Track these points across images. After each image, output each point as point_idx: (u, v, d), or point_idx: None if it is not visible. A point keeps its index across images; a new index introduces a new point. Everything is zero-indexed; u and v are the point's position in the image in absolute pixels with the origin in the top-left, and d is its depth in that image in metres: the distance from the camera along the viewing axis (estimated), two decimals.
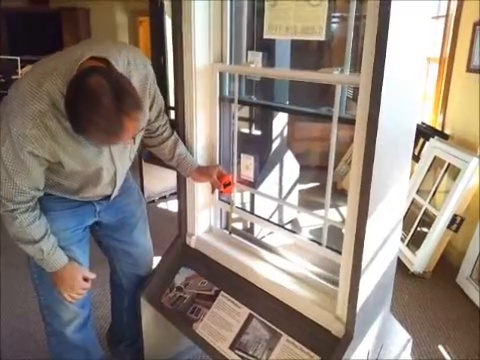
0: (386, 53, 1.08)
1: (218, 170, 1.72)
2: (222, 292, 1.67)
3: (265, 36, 1.50)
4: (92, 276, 1.59)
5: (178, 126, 1.75)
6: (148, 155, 3.87)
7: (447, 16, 3.61)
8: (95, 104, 1.10)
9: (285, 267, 1.64)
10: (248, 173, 1.74)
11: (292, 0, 1.40)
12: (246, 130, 3.54)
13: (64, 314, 1.62)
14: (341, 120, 1.40)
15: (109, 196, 1.61)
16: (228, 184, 1.71)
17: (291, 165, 3.52)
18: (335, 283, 1.48)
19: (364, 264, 1.28)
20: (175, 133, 1.70)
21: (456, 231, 2.79)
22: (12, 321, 2.34)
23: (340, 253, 1.42)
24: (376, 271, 1.36)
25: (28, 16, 6.51)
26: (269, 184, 3.31)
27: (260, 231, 3.13)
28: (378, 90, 1.11)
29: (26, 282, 1.63)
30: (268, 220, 1.84)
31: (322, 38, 1.37)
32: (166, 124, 1.67)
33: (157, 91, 1.55)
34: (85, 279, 1.57)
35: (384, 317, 1.54)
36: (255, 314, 1.57)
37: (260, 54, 1.57)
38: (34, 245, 1.41)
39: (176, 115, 1.77)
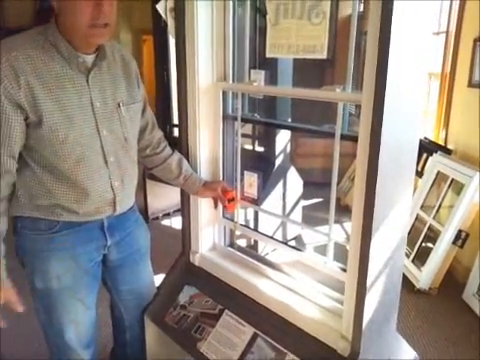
0: (388, 71, 1.09)
1: (222, 185, 1.72)
2: (226, 311, 1.66)
3: (267, 55, 1.51)
4: (19, 309, 1.39)
5: (182, 143, 1.76)
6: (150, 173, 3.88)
7: (447, 32, 3.64)
8: None
9: (290, 285, 1.62)
10: (252, 190, 1.74)
11: (293, 19, 1.43)
12: (249, 147, 3.56)
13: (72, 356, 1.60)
14: (344, 137, 1.40)
15: (115, 205, 1.47)
16: (232, 200, 1.70)
17: (294, 181, 3.53)
18: (340, 301, 1.47)
19: (369, 282, 1.27)
20: (176, 151, 1.72)
21: (461, 247, 2.77)
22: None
23: (345, 270, 1.42)
24: (381, 289, 1.35)
25: None
26: (273, 200, 3.31)
27: (264, 248, 3.11)
28: (380, 108, 1.12)
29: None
30: (272, 237, 1.84)
31: (323, 56, 1.38)
32: (164, 138, 1.70)
33: (145, 95, 1.59)
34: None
35: (390, 335, 1.52)
36: (260, 333, 1.55)
37: (262, 72, 1.58)
38: None
39: (180, 133, 1.79)
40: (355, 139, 1.27)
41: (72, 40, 1.28)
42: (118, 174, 1.45)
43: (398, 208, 1.30)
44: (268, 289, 1.62)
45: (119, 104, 1.41)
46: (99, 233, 1.50)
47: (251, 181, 1.76)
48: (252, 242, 3.17)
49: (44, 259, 1.43)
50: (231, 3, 1.63)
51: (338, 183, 4.59)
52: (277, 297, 1.57)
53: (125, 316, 1.79)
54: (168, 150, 1.69)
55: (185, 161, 1.70)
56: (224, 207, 1.77)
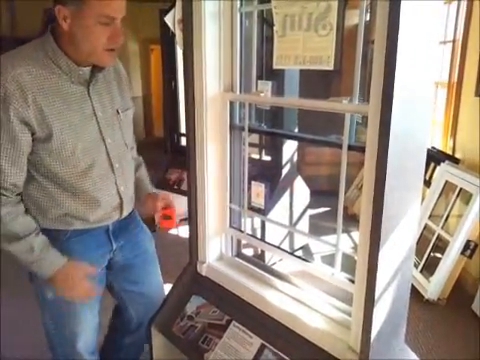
0: (395, 81, 1.09)
1: (165, 201, 1.73)
2: (234, 321, 1.65)
3: (274, 66, 1.52)
4: (94, 270, 1.48)
5: (189, 153, 1.77)
6: (159, 181, 3.90)
7: (454, 41, 3.64)
8: None
9: (297, 295, 1.62)
10: (259, 200, 1.74)
11: (300, 31, 1.43)
12: (256, 156, 3.57)
13: None
14: (351, 148, 1.40)
15: (121, 209, 1.53)
16: (168, 217, 1.65)
17: (301, 190, 3.52)
18: (348, 312, 1.46)
19: (377, 293, 1.26)
20: (140, 158, 1.79)
21: (470, 257, 2.75)
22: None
23: (353, 282, 1.41)
24: (390, 300, 1.34)
25: None
26: (280, 209, 3.31)
27: (271, 257, 3.11)
28: (387, 120, 1.12)
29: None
30: (279, 247, 1.83)
31: (330, 68, 1.39)
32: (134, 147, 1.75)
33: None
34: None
35: (399, 347, 1.51)
36: (267, 344, 1.54)
37: (269, 83, 1.59)
38: (21, 241, 1.31)
39: (187, 143, 1.79)
40: (362, 149, 1.27)
41: (76, 57, 1.32)
42: (123, 179, 1.51)
43: (406, 219, 1.29)
44: (275, 300, 1.61)
45: (117, 111, 1.47)
46: (105, 238, 1.54)
47: (258, 191, 1.76)
48: (259, 251, 3.17)
49: None
50: (238, 15, 1.64)
51: (345, 192, 4.58)
52: (284, 308, 1.57)
53: (135, 319, 1.81)
54: (134, 154, 1.74)
55: (143, 169, 1.79)
56: (158, 223, 1.73)
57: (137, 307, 1.78)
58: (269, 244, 1.83)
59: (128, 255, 1.65)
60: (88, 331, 1.59)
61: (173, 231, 4.08)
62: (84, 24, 1.26)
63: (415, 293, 2.85)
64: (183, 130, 3.71)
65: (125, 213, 1.56)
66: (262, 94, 1.59)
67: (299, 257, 1.69)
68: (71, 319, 1.52)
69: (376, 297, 1.26)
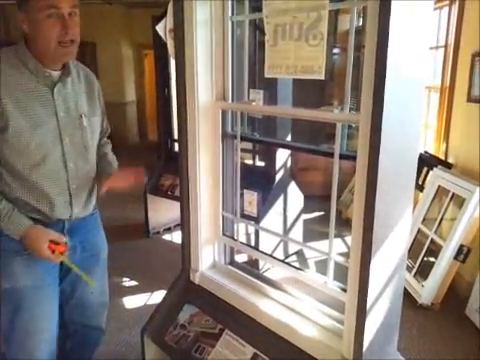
0: (385, 92, 1.10)
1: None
2: (226, 330, 1.65)
3: (266, 75, 1.53)
4: (62, 239, 1.51)
5: (182, 161, 1.77)
6: (153, 187, 3.89)
7: (446, 46, 3.66)
8: None
9: (290, 304, 1.62)
10: (251, 209, 1.75)
11: (291, 40, 1.44)
12: (250, 161, 3.57)
13: None
14: (343, 157, 1.41)
15: (72, 206, 1.56)
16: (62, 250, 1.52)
17: (295, 195, 3.52)
18: (340, 320, 1.46)
19: (370, 302, 1.26)
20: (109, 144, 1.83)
21: (463, 262, 2.75)
22: None
23: (345, 291, 1.41)
24: (382, 309, 1.34)
25: None
26: (274, 215, 3.31)
27: (265, 263, 3.10)
28: (378, 130, 1.12)
29: None
30: (272, 256, 1.83)
31: (321, 77, 1.39)
32: (106, 141, 1.82)
33: (104, 110, 1.73)
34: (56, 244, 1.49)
35: (392, 355, 1.51)
36: (260, 353, 1.54)
37: (261, 92, 1.60)
38: None
39: (180, 150, 1.80)
40: (354, 158, 1.27)
41: (41, 58, 1.44)
42: (76, 178, 1.56)
43: (398, 228, 1.29)
44: (268, 308, 1.61)
45: (81, 115, 1.55)
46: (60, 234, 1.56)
47: (251, 199, 1.76)
48: (253, 257, 3.16)
49: (6, 258, 1.50)
50: (230, 24, 1.64)
51: (339, 196, 4.58)
52: (277, 317, 1.56)
53: (69, 322, 1.77)
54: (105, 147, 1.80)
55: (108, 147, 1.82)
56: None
57: (71, 310, 1.74)
58: (262, 252, 1.83)
59: (76, 257, 1.62)
60: (46, 333, 1.58)
61: (167, 237, 4.07)
62: (34, 20, 1.37)
63: (408, 298, 2.86)
64: (177, 136, 3.70)
65: (76, 212, 1.59)
66: (254, 103, 1.59)
67: (292, 266, 1.69)
68: (25, 312, 1.52)
69: (368, 306, 1.26)
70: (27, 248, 1.48)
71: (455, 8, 3.50)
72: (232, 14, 1.64)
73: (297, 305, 1.60)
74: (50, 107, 1.47)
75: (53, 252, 1.48)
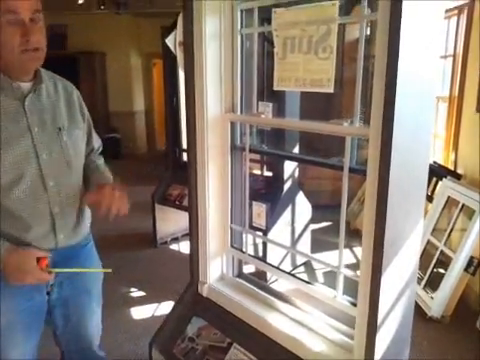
0: (395, 106, 1.10)
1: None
2: (235, 344, 1.64)
3: (275, 88, 1.53)
4: (45, 253, 1.35)
5: (191, 172, 1.77)
6: (161, 197, 3.90)
7: (454, 56, 3.66)
8: None
9: (298, 317, 1.60)
10: (260, 221, 1.74)
11: (300, 54, 1.44)
12: (258, 171, 3.57)
13: None
14: (352, 171, 1.40)
15: (55, 234, 1.40)
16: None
17: (303, 205, 3.51)
18: (350, 335, 1.45)
19: (380, 317, 1.25)
20: (103, 166, 1.63)
21: (473, 274, 2.72)
22: None
23: (355, 305, 1.40)
24: (393, 324, 1.32)
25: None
26: (282, 224, 3.30)
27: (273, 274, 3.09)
28: (388, 143, 1.11)
29: None
30: (279, 268, 1.82)
31: (331, 90, 1.39)
32: (96, 157, 1.64)
33: (92, 127, 1.60)
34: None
35: None
36: None
37: (270, 105, 1.60)
38: None
39: (189, 162, 1.80)
40: (364, 172, 1.26)
41: (7, 69, 1.30)
42: (58, 200, 1.39)
43: (409, 242, 1.28)
44: (277, 322, 1.59)
45: (60, 128, 1.41)
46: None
47: (259, 211, 1.76)
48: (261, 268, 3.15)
49: None
50: (239, 36, 1.65)
51: (347, 205, 4.56)
52: (286, 331, 1.55)
53: (66, 352, 1.67)
54: (96, 164, 1.62)
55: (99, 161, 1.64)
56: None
57: (67, 341, 1.63)
58: (270, 265, 1.82)
59: (65, 293, 1.49)
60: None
61: (174, 247, 4.07)
62: None
63: (418, 310, 2.82)
64: (185, 146, 3.71)
65: (62, 241, 1.42)
66: (263, 115, 1.59)
67: (300, 279, 1.68)
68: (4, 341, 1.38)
69: (379, 321, 1.25)
70: (9, 279, 1.29)
71: (464, 17, 3.50)
72: (241, 27, 1.65)
73: (306, 319, 1.58)
74: (22, 122, 1.32)
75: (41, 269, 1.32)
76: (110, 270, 1.50)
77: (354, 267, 1.50)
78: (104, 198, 1.39)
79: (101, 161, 1.65)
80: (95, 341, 1.68)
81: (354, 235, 3.74)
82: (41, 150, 1.35)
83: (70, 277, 1.48)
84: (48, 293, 1.46)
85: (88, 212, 1.55)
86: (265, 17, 1.63)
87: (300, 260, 3.56)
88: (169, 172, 4.06)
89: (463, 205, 2.97)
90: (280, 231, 3.22)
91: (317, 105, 2.80)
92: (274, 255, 3.13)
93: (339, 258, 1.47)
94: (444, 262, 2.98)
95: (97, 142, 1.65)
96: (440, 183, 3.31)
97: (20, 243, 1.34)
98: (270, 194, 3.34)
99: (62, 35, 7.46)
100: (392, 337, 1.32)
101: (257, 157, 3.48)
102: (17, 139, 1.31)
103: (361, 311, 1.29)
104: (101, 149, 1.68)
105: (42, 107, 1.38)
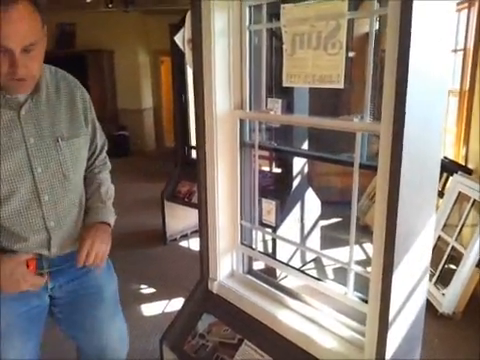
0: (406, 101, 1.08)
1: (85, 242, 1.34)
2: (245, 341, 1.64)
3: (284, 84, 1.52)
4: (32, 255, 1.30)
5: (200, 170, 1.77)
6: (170, 194, 3.91)
7: (465, 49, 3.61)
8: None
9: (309, 314, 1.60)
10: (270, 218, 1.74)
11: (310, 49, 1.43)
12: (267, 168, 3.56)
13: None
14: (363, 167, 1.39)
15: (49, 246, 1.34)
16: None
17: (313, 201, 3.50)
18: (361, 332, 1.44)
19: (392, 314, 1.24)
20: (105, 179, 1.53)
21: None
22: None
23: (366, 301, 1.39)
24: (405, 321, 1.31)
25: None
26: (292, 221, 3.29)
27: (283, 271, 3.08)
28: (400, 139, 1.10)
29: None
30: (289, 265, 1.82)
31: (340, 86, 1.38)
32: (102, 162, 1.55)
33: (97, 124, 1.48)
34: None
35: None
36: None
37: (280, 101, 1.59)
38: None
39: (198, 159, 1.80)
40: (374, 168, 1.25)
41: None
42: (54, 214, 1.33)
43: (420, 238, 1.27)
44: (287, 319, 1.59)
45: (58, 138, 1.31)
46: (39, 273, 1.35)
47: (269, 208, 1.75)
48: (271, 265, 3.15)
49: None
50: (247, 33, 1.64)
51: (357, 202, 4.53)
52: (296, 327, 1.55)
53: None
54: (99, 174, 1.53)
55: (104, 182, 1.51)
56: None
57: (87, 355, 1.57)
58: (280, 262, 1.82)
59: (72, 294, 1.44)
60: None
61: (184, 244, 4.08)
62: None
63: (429, 308, 2.79)
64: (194, 143, 3.71)
65: (56, 251, 1.36)
66: (272, 112, 1.59)
67: (311, 276, 1.67)
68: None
69: (391, 318, 1.24)
70: (5, 289, 1.24)
71: (475, 10, 3.45)
72: (250, 23, 1.64)
73: (316, 315, 1.58)
74: (16, 132, 1.24)
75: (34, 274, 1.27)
76: (100, 268, 1.40)
77: (364, 263, 1.49)
78: (81, 250, 1.31)
79: (104, 176, 1.54)
80: (119, 355, 1.58)
81: (364, 231, 3.72)
82: (36, 163, 1.27)
83: (75, 278, 1.43)
84: (52, 298, 1.42)
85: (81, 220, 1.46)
86: (273, 13, 1.62)
87: (310, 257, 3.56)
88: (178, 169, 4.07)
89: (474, 200, 2.94)
90: (289, 228, 3.21)
91: (326, 101, 2.78)
92: (284, 252, 3.13)
93: (350, 254, 1.46)
94: (455, 258, 2.96)
95: (100, 140, 1.54)
96: (451, 178, 3.27)
97: (11, 252, 1.29)
98: (279, 191, 3.33)
99: (71, 34, 7.50)
100: (404, 334, 1.31)
101: (266, 154, 3.48)
102: (9, 152, 1.23)
103: (372, 308, 1.29)
104: (106, 148, 1.58)
105: (40, 115, 1.29)
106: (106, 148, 1.59)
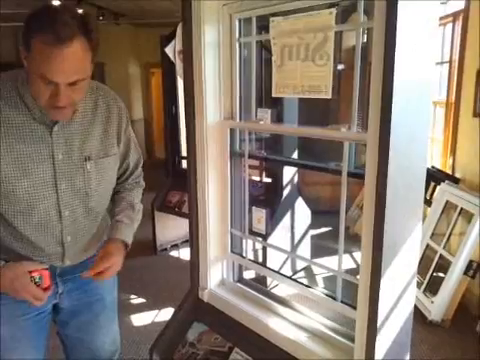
0: (392, 109, 1.11)
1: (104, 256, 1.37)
2: (236, 348, 1.64)
3: (274, 95, 1.55)
4: (41, 265, 1.31)
5: (190, 179, 1.79)
6: (160, 204, 3.91)
7: (451, 62, 3.70)
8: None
9: (299, 321, 1.61)
10: (260, 226, 1.75)
11: (298, 61, 1.47)
12: (257, 177, 3.58)
13: None
14: (351, 175, 1.42)
15: (63, 259, 1.38)
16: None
17: (302, 211, 3.53)
18: (350, 337, 1.46)
19: (380, 320, 1.26)
20: (136, 196, 1.56)
21: (473, 277, 2.74)
22: None
23: (354, 308, 1.41)
24: (393, 326, 1.33)
25: None
26: (282, 230, 3.31)
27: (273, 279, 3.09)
28: (386, 148, 1.13)
29: None
30: (279, 273, 1.83)
31: (328, 96, 1.41)
32: (134, 180, 1.58)
33: (132, 141, 1.50)
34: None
35: None
36: None
37: (269, 111, 1.62)
38: None
39: (188, 169, 1.81)
40: (362, 177, 1.28)
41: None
42: (72, 229, 1.36)
43: (408, 245, 1.30)
44: (277, 326, 1.60)
45: (86, 158, 1.32)
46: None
47: (259, 217, 1.77)
48: (261, 273, 3.15)
49: None
50: (237, 45, 1.68)
51: (346, 212, 4.57)
52: (287, 334, 1.56)
53: None
54: (131, 191, 1.57)
55: (132, 202, 1.54)
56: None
57: (80, 355, 1.59)
58: (271, 270, 1.83)
59: (76, 302, 1.48)
60: None
61: (174, 253, 4.07)
62: (31, 71, 1.15)
63: (418, 315, 2.83)
64: (184, 153, 3.73)
65: (69, 262, 1.41)
66: (261, 122, 1.61)
67: (301, 283, 1.69)
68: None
69: (379, 324, 1.26)
70: (4, 290, 1.26)
71: (459, 24, 3.54)
72: (239, 36, 1.67)
73: (306, 322, 1.59)
74: (46, 148, 1.25)
75: (37, 285, 1.28)
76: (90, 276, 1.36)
77: (354, 272, 1.51)
78: (97, 268, 1.32)
79: (134, 193, 1.56)
80: (112, 356, 1.63)
81: (353, 240, 3.75)
82: (61, 179, 1.29)
83: (81, 286, 1.46)
84: (56, 305, 1.45)
85: (101, 235, 1.49)
86: (263, 25, 1.66)
87: (300, 267, 3.58)
88: (168, 179, 4.08)
89: (462, 209, 2.99)
90: (280, 237, 3.23)
91: (315, 112, 2.82)
92: (274, 262, 3.14)
93: (339, 261, 1.48)
94: (444, 266, 3.00)
95: (134, 157, 1.54)
96: (438, 187, 3.33)
97: (22, 258, 1.32)
98: (269, 200, 3.36)
99: None
100: (392, 340, 1.33)
101: (256, 163, 3.50)
102: (37, 166, 1.25)
103: (361, 314, 1.31)
104: (141, 163, 1.59)
105: (72, 133, 1.29)
106: (141, 164, 1.59)
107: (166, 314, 2.87)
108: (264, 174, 3.59)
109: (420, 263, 3.11)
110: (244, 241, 1.87)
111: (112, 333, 1.64)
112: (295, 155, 3.16)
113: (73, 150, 1.30)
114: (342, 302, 1.50)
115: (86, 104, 1.33)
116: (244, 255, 1.86)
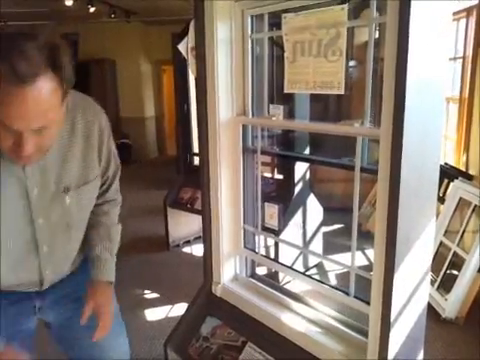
0: (405, 106, 1.12)
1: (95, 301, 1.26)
2: (249, 343, 1.66)
3: (286, 91, 1.56)
4: (23, 357, 1.14)
5: (203, 175, 1.80)
6: (173, 200, 3.94)
7: (464, 57, 3.65)
8: None
9: (312, 316, 1.62)
10: (272, 222, 1.76)
11: (310, 57, 1.47)
12: (268, 174, 3.59)
13: None
14: (363, 170, 1.42)
15: (42, 286, 1.26)
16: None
17: (314, 208, 3.52)
18: (364, 333, 1.46)
19: (394, 316, 1.26)
20: (113, 221, 1.39)
21: None
22: None
23: (368, 303, 1.41)
24: (407, 322, 1.33)
25: None
26: (293, 227, 3.31)
27: (285, 275, 3.10)
28: (399, 144, 1.13)
29: None
30: (292, 268, 1.84)
31: (341, 92, 1.42)
32: (111, 197, 1.39)
33: (112, 152, 1.31)
34: None
35: None
36: None
37: (281, 107, 1.62)
38: None
39: (201, 165, 1.83)
40: (375, 172, 1.28)
41: None
42: (51, 262, 1.24)
43: (421, 241, 1.30)
44: (290, 321, 1.61)
45: (65, 189, 1.16)
46: (24, 294, 1.27)
47: (272, 212, 1.78)
48: (273, 269, 3.16)
49: None
50: (250, 41, 1.68)
51: (359, 208, 4.55)
52: (300, 329, 1.57)
53: None
54: (108, 215, 1.39)
55: (103, 238, 1.35)
56: None
57: None
58: (283, 265, 1.84)
59: (66, 313, 1.34)
60: None
61: (186, 250, 4.10)
62: None
63: (432, 312, 2.81)
64: (196, 150, 3.74)
65: (48, 285, 1.28)
66: (274, 118, 1.62)
67: (313, 278, 1.70)
68: None
69: (392, 319, 1.26)
70: None
71: (472, 19, 3.49)
72: (252, 32, 1.68)
73: (320, 318, 1.60)
74: (18, 185, 1.09)
75: None
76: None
77: (367, 269, 1.51)
78: (86, 313, 1.22)
79: (111, 215, 1.39)
80: None
81: (366, 237, 3.73)
82: (37, 215, 1.14)
83: (69, 295, 1.32)
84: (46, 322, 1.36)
85: (79, 255, 1.35)
86: (274, 22, 1.66)
87: (312, 263, 3.57)
88: (180, 176, 4.10)
89: (475, 206, 2.96)
90: (291, 234, 3.23)
91: (327, 108, 2.82)
92: (286, 258, 3.15)
93: (352, 256, 1.48)
94: (457, 263, 2.97)
95: (113, 169, 1.34)
96: (452, 184, 3.30)
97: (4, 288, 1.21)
98: (281, 197, 3.36)
99: (74, 44, 7.59)
100: (406, 335, 1.33)
101: (268, 160, 3.51)
102: (10, 202, 1.09)
103: (374, 309, 1.31)
104: (119, 174, 1.39)
105: (47, 163, 1.12)
106: (119, 174, 1.40)
107: (179, 309, 2.89)
108: (276, 171, 3.59)
109: (434, 260, 3.08)
110: (257, 237, 1.88)
111: (120, 345, 1.45)
112: (307, 151, 3.16)
113: (50, 182, 1.14)
114: (355, 297, 1.51)
115: (62, 129, 1.11)
116: (256, 251, 1.87)
